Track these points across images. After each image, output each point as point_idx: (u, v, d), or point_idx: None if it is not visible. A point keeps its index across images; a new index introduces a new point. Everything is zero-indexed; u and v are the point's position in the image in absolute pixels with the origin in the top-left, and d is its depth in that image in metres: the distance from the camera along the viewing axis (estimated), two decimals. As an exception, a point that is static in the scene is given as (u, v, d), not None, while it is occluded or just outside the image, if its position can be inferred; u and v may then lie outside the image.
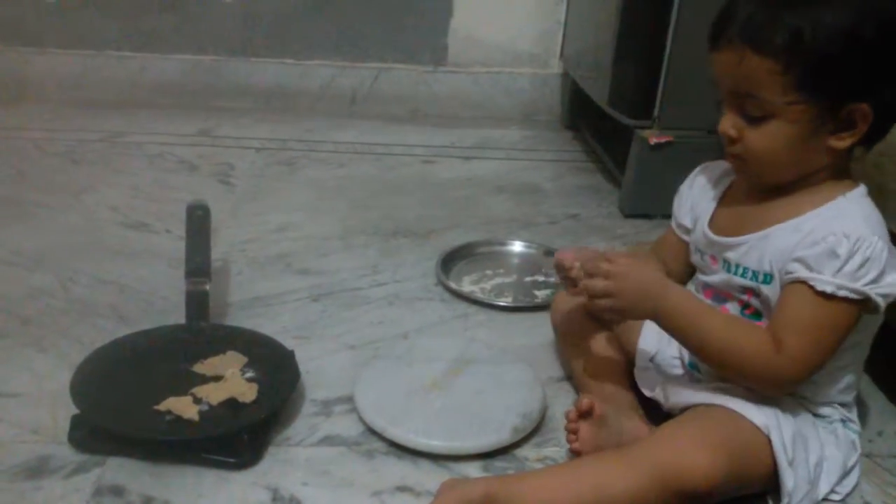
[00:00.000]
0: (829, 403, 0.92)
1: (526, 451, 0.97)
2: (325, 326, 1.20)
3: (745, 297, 0.91)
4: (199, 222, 1.16)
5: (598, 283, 0.87)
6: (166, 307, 1.21)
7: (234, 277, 1.33)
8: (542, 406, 1.01)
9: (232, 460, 0.91)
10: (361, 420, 0.99)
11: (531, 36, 2.23)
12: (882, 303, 0.82)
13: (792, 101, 0.81)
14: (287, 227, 1.52)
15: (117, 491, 0.87)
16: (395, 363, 1.08)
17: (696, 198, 0.99)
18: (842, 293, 0.80)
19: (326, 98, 2.23)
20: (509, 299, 1.31)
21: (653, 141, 1.56)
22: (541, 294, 1.33)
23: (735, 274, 0.90)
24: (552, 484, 0.84)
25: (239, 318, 1.19)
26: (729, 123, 0.85)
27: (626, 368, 1.04)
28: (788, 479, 0.85)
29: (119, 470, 0.90)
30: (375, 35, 2.21)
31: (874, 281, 0.80)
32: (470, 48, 2.23)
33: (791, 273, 0.83)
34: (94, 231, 1.47)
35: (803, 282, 0.82)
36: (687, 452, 0.81)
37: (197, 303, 1.10)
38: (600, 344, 1.06)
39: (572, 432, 0.91)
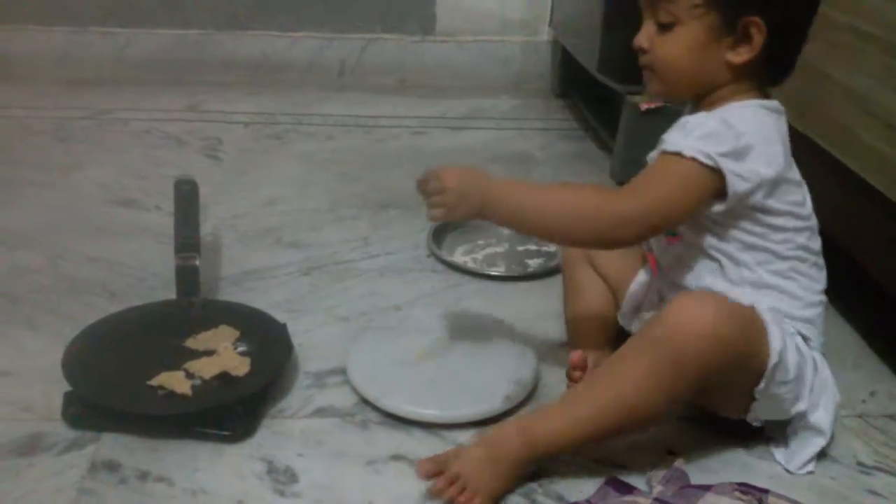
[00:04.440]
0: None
1: (519, 419, 0.97)
2: (316, 299, 1.20)
3: None
4: (186, 197, 1.15)
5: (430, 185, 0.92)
6: (157, 283, 1.20)
7: (224, 252, 1.32)
8: (534, 374, 1.01)
9: (226, 433, 0.90)
10: (355, 391, 0.99)
11: (520, 3, 2.21)
12: (734, 181, 0.84)
13: (697, 4, 0.86)
14: (277, 201, 1.51)
15: (112, 466, 0.87)
16: (387, 334, 1.08)
17: None
18: (689, 153, 0.84)
19: (314, 70, 2.21)
20: (501, 269, 1.30)
21: (643, 107, 1.54)
22: (532, 263, 1.33)
23: None
24: (574, 399, 0.87)
25: (230, 293, 1.19)
26: (643, 36, 0.90)
27: (613, 322, 1.06)
28: (775, 339, 0.84)
29: (114, 445, 0.90)
30: (362, 5, 2.18)
31: (726, 155, 0.83)
32: (458, 16, 2.21)
33: None
34: (83, 208, 1.46)
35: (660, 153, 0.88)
36: (687, 307, 0.83)
37: (187, 278, 1.10)
38: (593, 295, 1.08)
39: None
